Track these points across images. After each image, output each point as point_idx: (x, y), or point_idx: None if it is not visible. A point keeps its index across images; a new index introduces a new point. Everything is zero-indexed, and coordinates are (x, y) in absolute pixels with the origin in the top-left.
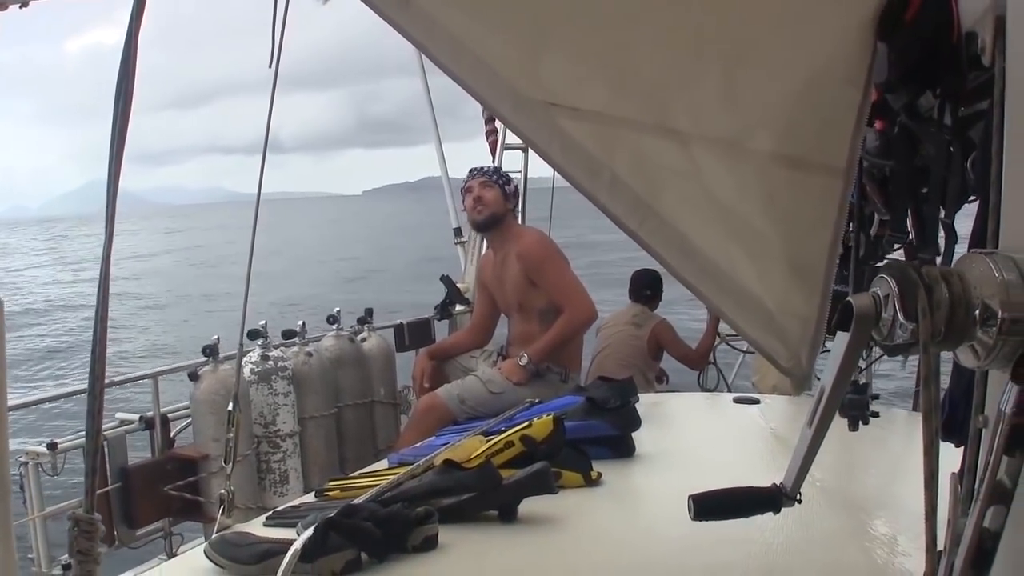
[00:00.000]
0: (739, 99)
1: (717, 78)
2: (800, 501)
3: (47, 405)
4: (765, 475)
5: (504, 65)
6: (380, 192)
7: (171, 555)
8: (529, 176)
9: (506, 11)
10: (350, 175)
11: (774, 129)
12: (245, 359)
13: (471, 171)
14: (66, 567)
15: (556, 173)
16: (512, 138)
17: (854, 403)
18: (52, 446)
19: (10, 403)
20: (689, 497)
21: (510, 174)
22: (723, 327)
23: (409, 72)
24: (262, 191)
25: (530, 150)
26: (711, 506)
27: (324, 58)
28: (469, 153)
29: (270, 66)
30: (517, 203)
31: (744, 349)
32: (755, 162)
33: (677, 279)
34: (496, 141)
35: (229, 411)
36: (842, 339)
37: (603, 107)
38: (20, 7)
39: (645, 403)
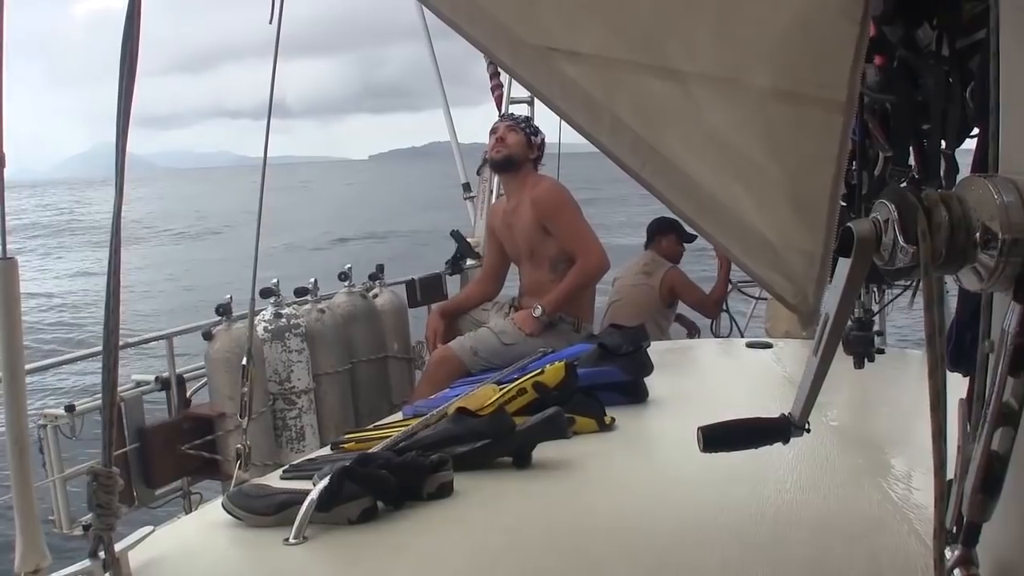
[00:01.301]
0: (735, 35)
1: (713, 15)
2: (809, 430)
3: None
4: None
5: (502, 11)
6: (387, 157)
7: (190, 513)
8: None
9: None
10: (357, 140)
11: (771, 65)
12: (258, 317)
13: (501, 115)
14: (87, 527)
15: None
16: (517, 91)
17: (859, 340)
18: (70, 408)
19: (28, 366)
20: (698, 429)
21: (538, 128)
22: (735, 275)
23: (415, 37)
24: (269, 155)
25: (536, 104)
26: (719, 437)
27: (330, 23)
28: (476, 118)
29: (270, 22)
30: (540, 156)
31: (756, 296)
32: (754, 98)
33: (681, 219)
34: (501, 95)
35: (243, 366)
36: (844, 265)
37: (601, 49)
38: None
39: (658, 350)
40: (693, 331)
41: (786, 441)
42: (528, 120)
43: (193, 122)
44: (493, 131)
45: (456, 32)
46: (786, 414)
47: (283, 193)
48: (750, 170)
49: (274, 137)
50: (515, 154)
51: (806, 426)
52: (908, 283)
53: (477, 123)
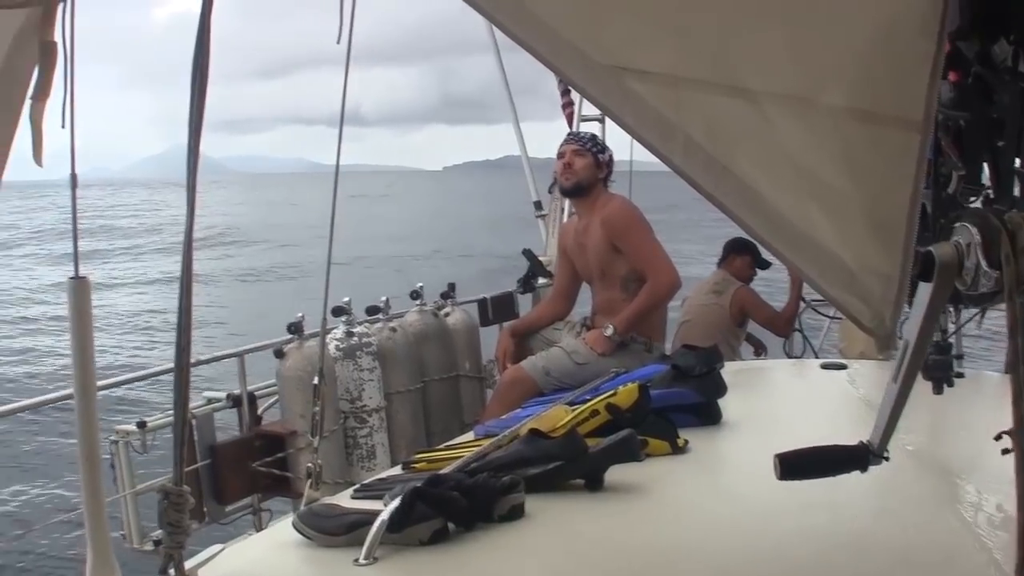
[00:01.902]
0: (809, 53)
1: (785, 33)
2: (887, 458)
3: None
4: (853, 440)
5: (571, 30)
6: (461, 168)
7: (260, 530)
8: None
9: None
10: (431, 150)
11: (846, 83)
12: (330, 336)
13: (569, 134)
14: (157, 542)
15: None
16: (588, 109)
17: (938, 364)
18: (141, 424)
19: (99, 383)
20: (775, 456)
21: (606, 145)
22: (807, 292)
23: (492, 49)
24: (342, 163)
25: (606, 122)
26: (797, 465)
27: (407, 33)
28: (550, 132)
29: (338, 42)
30: (609, 173)
31: (830, 315)
32: (829, 117)
33: (755, 239)
34: (572, 113)
35: (315, 385)
36: (925, 290)
37: (672, 68)
38: None
39: (731, 370)
40: (760, 349)
41: (864, 470)
42: (594, 138)
43: (268, 127)
44: (560, 155)
45: (528, 52)
46: (865, 442)
47: (356, 203)
48: (825, 190)
49: (348, 145)
50: (583, 179)
51: (885, 453)
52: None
53: (552, 136)
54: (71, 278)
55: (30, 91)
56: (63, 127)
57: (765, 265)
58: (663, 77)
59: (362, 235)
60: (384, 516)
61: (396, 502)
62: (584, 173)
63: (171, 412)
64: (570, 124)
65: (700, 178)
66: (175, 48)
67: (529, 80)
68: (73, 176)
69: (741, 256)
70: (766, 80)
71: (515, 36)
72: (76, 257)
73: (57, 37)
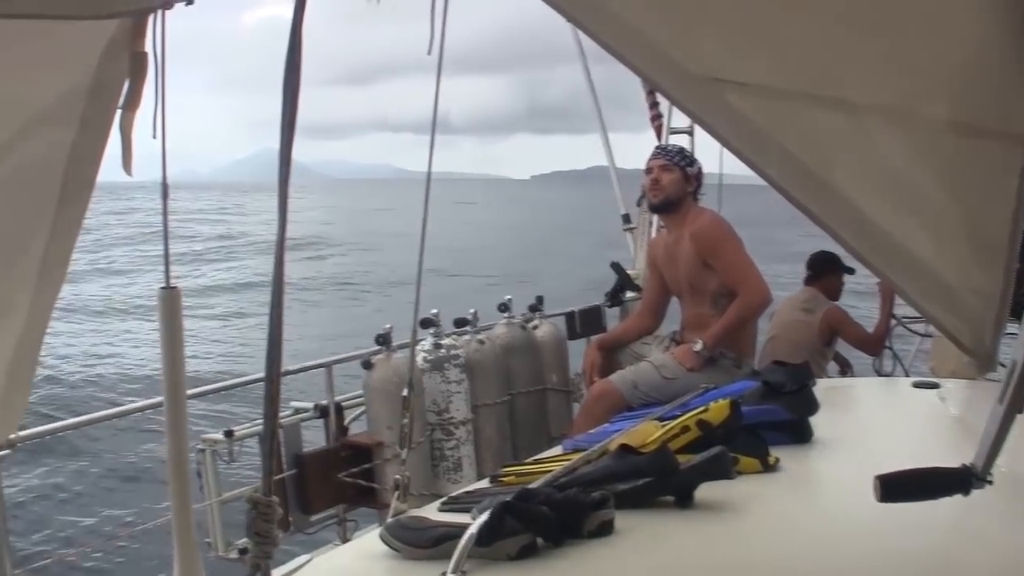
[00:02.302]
0: (909, 65)
1: (886, 45)
2: (991, 482)
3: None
4: (947, 461)
5: (667, 42)
6: (549, 178)
7: (345, 541)
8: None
9: None
10: (518, 159)
11: (948, 95)
12: (418, 348)
13: (656, 147)
14: (243, 551)
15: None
16: (677, 121)
17: None
18: (229, 433)
19: (189, 392)
20: (875, 478)
21: (694, 157)
22: (899, 309)
23: (578, 59)
24: (433, 169)
25: (695, 134)
26: (898, 487)
27: (495, 42)
28: (639, 143)
29: (429, 53)
30: (699, 186)
31: (921, 332)
32: (928, 130)
33: (852, 254)
34: (661, 125)
35: (404, 397)
36: None
37: (768, 80)
38: (187, 4)
39: (821, 388)
40: (846, 368)
41: (967, 493)
42: (682, 151)
43: (355, 133)
44: (648, 170)
45: (619, 61)
46: (967, 464)
47: (445, 211)
48: (925, 206)
49: (436, 153)
50: (672, 195)
51: (989, 477)
52: None
53: (641, 147)
54: (162, 288)
55: (120, 101)
56: (154, 137)
57: (852, 270)
58: (759, 88)
59: (450, 244)
60: (473, 530)
61: (485, 516)
62: (672, 188)
63: (258, 422)
64: (658, 136)
65: (796, 191)
66: (264, 53)
67: (618, 91)
68: (164, 187)
69: (833, 274)
70: (865, 92)
71: (609, 47)
72: (167, 267)
73: (148, 47)
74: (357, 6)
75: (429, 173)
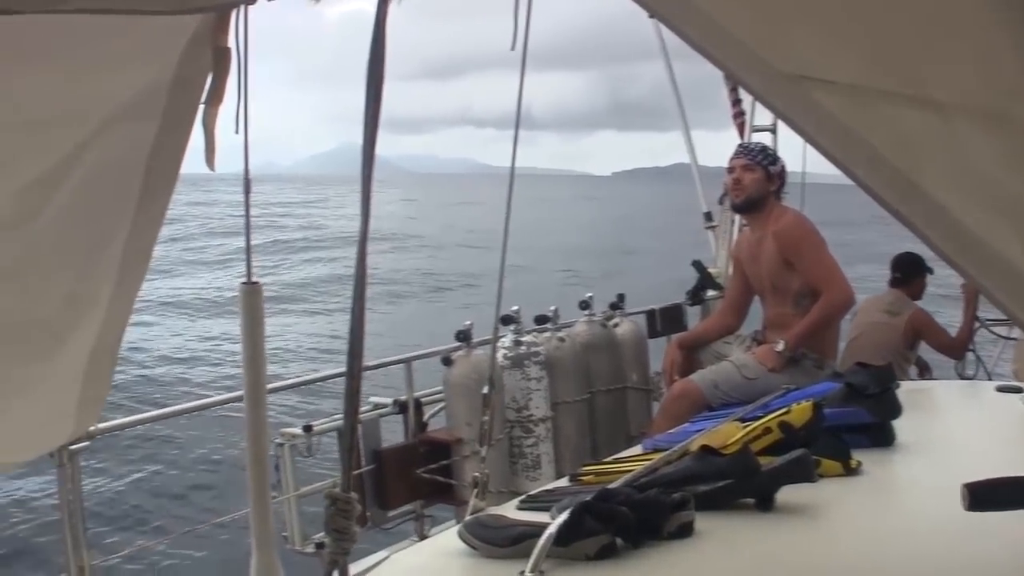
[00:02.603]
0: (1003, 64)
1: (978, 42)
2: None
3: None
4: None
5: (754, 38)
6: (630, 175)
7: (422, 537)
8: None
9: None
10: (600, 155)
11: None
12: (498, 344)
13: (739, 146)
14: (319, 545)
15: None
16: (760, 119)
17: None
18: (308, 428)
19: (269, 386)
20: (963, 486)
21: (777, 155)
22: (982, 311)
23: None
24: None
25: (778, 132)
26: (987, 496)
27: (578, 38)
28: (721, 140)
29: (512, 49)
30: (782, 185)
31: (1004, 335)
32: (1019, 131)
33: (938, 255)
34: (743, 123)
35: (484, 394)
36: None
37: (858, 78)
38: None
39: (903, 391)
40: (926, 371)
41: None
42: (764, 150)
43: (437, 128)
44: (730, 170)
45: (705, 58)
46: None
47: (525, 207)
48: (1015, 207)
49: (519, 148)
50: (754, 194)
51: None
52: None
53: (724, 145)
54: (243, 283)
55: (203, 96)
56: (236, 132)
57: (932, 270)
58: (848, 87)
59: (532, 241)
60: (552, 529)
61: (564, 515)
62: (754, 188)
63: (336, 417)
64: (741, 134)
65: (884, 192)
66: (346, 47)
67: (702, 88)
68: (247, 182)
69: (920, 277)
70: (955, 92)
71: (693, 42)
72: (249, 263)
73: (230, 43)
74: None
75: (512, 169)
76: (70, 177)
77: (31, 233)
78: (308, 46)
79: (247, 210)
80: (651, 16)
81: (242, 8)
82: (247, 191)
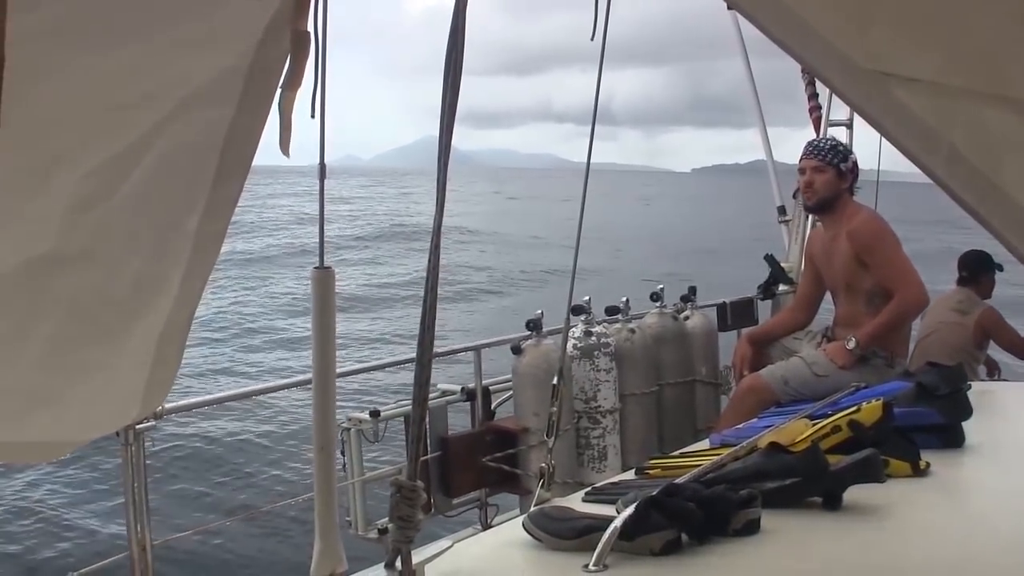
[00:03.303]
0: None
1: None
2: None
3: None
4: None
5: (835, 33)
6: (709, 171)
7: (486, 525)
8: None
9: None
10: (680, 152)
11: None
12: (568, 334)
13: (808, 145)
14: (382, 531)
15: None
16: (836, 113)
17: None
18: (375, 413)
19: (338, 370)
20: None
21: (848, 148)
22: None
23: (748, 51)
24: (592, 161)
25: (854, 127)
26: None
27: (658, 33)
28: (800, 137)
29: (592, 39)
30: (855, 180)
31: None
32: None
33: (1016, 257)
34: (820, 117)
35: (553, 384)
36: None
37: (938, 76)
38: None
39: (974, 392)
40: (995, 370)
41: None
42: (835, 148)
43: (518, 123)
44: (800, 171)
45: (784, 51)
46: None
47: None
48: None
49: (598, 144)
50: (825, 196)
51: None
52: None
53: (803, 142)
54: (315, 268)
55: (281, 80)
56: (312, 117)
57: (1001, 267)
58: (929, 85)
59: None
60: (617, 523)
61: (630, 509)
62: (826, 189)
63: (403, 402)
64: (816, 129)
65: (962, 191)
66: (427, 40)
67: (782, 84)
68: (322, 166)
69: (988, 274)
70: None
71: (773, 35)
72: (321, 248)
73: (310, 27)
74: None
75: (588, 164)
76: (145, 159)
77: (105, 214)
78: (390, 39)
79: (321, 196)
80: (730, 8)
81: None
82: (322, 177)
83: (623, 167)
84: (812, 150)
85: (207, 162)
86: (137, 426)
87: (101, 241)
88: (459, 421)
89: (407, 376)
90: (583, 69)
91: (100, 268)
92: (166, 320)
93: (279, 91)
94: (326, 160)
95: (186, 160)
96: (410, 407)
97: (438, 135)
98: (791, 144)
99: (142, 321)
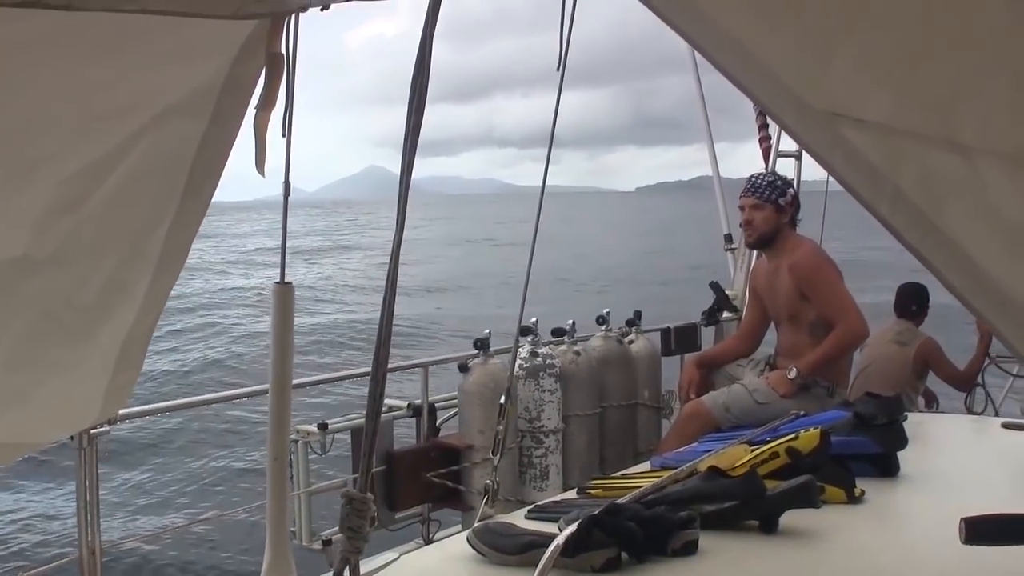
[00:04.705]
0: None
1: (1009, 87)
2: None
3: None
4: None
5: (788, 72)
6: (653, 189)
7: (428, 540)
8: (803, 179)
9: (792, 13)
10: (624, 171)
11: None
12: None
13: (747, 182)
14: (326, 542)
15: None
16: (786, 145)
17: None
18: (323, 426)
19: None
20: (961, 520)
21: (787, 182)
22: (994, 348)
23: (687, 69)
24: (536, 184)
25: (804, 157)
26: (984, 531)
27: (600, 54)
28: (744, 152)
29: (558, 69)
30: (796, 212)
31: (1015, 372)
32: None
33: (957, 298)
34: (769, 148)
35: (501, 403)
36: None
37: (888, 118)
38: (321, 9)
39: (910, 422)
40: (933, 402)
41: None
42: (772, 183)
43: (462, 149)
44: (740, 208)
45: (743, 93)
46: None
47: (548, 224)
48: None
49: (540, 166)
50: (765, 233)
51: None
52: None
53: (747, 157)
54: (276, 283)
55: (254, 101)
56: (283, 136)
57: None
58: (879, 126)
59: (552, 257)
60: (560, 540)
61: (573, 527)
62: (765, 226)
63: (351, 416)
64: (766, 159)
65: (905, 231)
66: (368, 72)
67: (726, 101)
68: (286, 184)
69: (927, 308)
70: (984, 136)
71: (726, 72)
72: (283, 264)
73: (282, 48)
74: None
75: (543, 187)
76: (118, 168)
77: (77, 220)
78: (330, 71)
79: (284, 213)
80: (687, 42)
81: (293, 15)
82: (286, 194)
83: (566, 188)
84: (750, 188)
85: (178, 173)
86: (92, 431)
87: (72, 246)
88: (403, 436)
89: (350, 390)
90: (524, 93)
91: (70, 272)
92: (131, 325)
93: (254, 112)
94: (270, 194)
95: (159, 171)
96: (357, 421)
97: (401, 156)
98: (734, 159)
99: (108, 325)
